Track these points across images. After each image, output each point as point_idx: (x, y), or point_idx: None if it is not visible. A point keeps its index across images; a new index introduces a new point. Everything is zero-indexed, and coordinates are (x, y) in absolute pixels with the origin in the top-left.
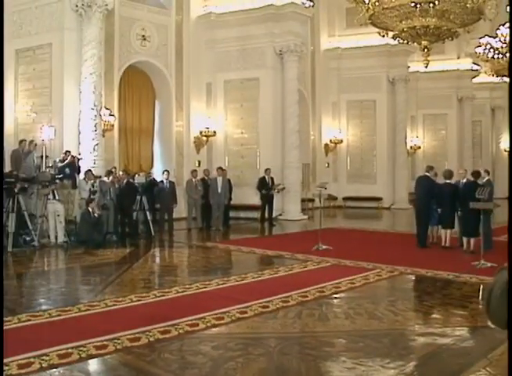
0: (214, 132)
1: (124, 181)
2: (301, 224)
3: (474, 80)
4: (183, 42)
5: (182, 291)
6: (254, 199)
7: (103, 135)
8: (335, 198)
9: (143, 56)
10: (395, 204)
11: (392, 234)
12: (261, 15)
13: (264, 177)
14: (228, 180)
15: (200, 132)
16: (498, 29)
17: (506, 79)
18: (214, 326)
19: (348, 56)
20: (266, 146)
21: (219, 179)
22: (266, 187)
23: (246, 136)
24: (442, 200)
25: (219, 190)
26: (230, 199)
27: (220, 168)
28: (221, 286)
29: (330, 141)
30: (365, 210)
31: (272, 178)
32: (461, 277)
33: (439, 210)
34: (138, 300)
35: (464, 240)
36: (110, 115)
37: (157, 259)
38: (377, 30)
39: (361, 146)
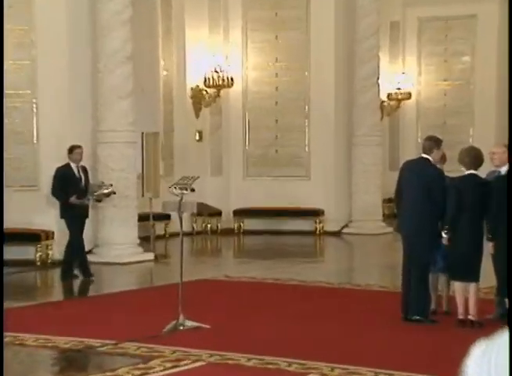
0: None
1: None
2: (139, 271)
3: None
4: None
5: None
6: (39, 217)
7: None
8: (218, 213)
9: None
10: (354, 224)
11: (347, 293)
12: None
13: (68, 165)
14: None
15: None
16: None
17: None
18: None
19: None
20: (52, 94)
21: None
22: (78, 190)
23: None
24: (458, 215)
25: None
26: None
27: None
28: None
29: (209, 83)
30: (285, 238)
31: (84, 170)
32: None
33: (444, 234)
34: None
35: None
36: None
37: None
38: None
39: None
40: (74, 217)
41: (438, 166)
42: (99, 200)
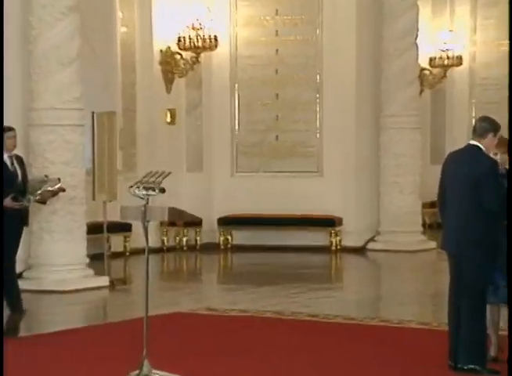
0: None
1: None
2: (89, 302)
3: None
4: None
5: None
6: None
7: None
8: (197, 222)
9: None
10: (383, 237)
11: (374, 331)
12: None
13: None
14: None
15: None
16: None
17: None
18: None
19: None
20: None
21: None
22: (15, 188)
23: None
24: None
25: None
26: None
27: None
28: None
29: (185, 44)
30: (289, 256)
31: (20, 160)
32: None
33: None
34: None
35: None
36: None
37: None
38: None
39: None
40: (9, 227)
41: (499, 158)
42: (43, 202)
